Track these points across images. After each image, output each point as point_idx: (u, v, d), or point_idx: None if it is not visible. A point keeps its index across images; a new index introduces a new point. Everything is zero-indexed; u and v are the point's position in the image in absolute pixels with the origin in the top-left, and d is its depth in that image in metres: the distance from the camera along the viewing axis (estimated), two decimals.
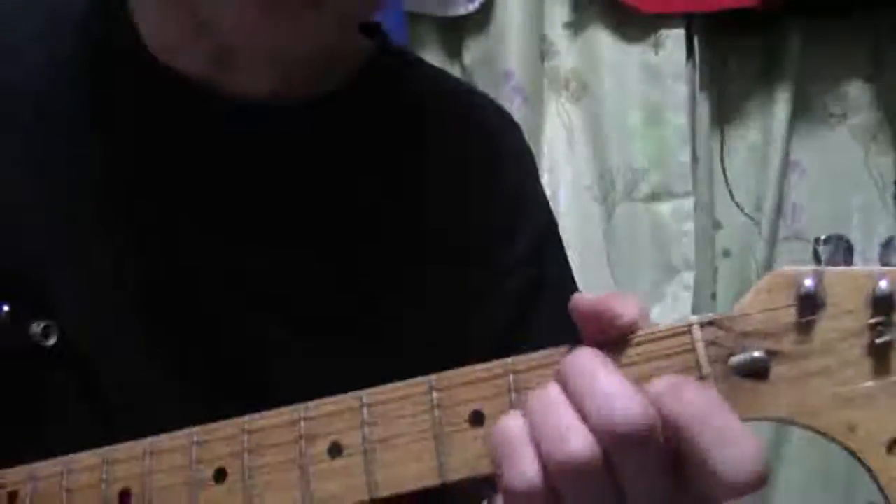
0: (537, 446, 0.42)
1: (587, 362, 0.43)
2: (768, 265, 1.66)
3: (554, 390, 0.43)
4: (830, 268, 0.42)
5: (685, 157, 1.63)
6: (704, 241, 1.65)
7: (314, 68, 0.69)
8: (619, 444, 0.41)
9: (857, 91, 1.64)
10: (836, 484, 1.58)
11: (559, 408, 0.42)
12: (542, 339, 0.69)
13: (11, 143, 0.65)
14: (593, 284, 1.56)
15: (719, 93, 1.67)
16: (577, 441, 0.41)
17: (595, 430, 0.41)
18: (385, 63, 0.73)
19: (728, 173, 1.68)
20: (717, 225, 1.69)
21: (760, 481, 0.40)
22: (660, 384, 0.42)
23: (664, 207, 1.64)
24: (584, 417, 0.41)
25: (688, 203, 1.63)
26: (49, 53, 0.67)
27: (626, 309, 0.45)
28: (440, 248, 0.70)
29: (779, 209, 1.66)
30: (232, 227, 0.66)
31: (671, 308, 1.62)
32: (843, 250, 0.44)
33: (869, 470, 0.41)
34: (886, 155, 1.64)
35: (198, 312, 0.65)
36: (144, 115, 0.66)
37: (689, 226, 1.63)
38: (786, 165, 1.66)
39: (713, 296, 1.65)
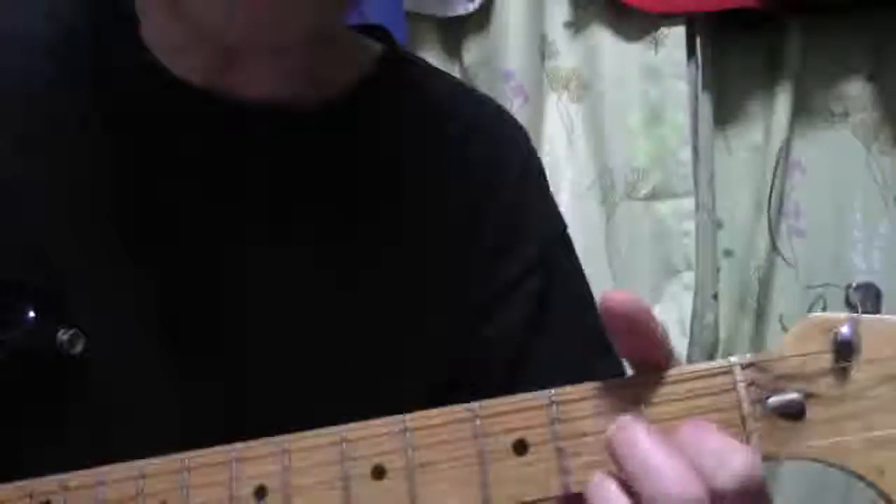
0: None
1: (639, 437, 0.44)
2: (770, 265, 1.66)
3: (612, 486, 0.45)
4: (865, 315, 0.44)
5: (686, 156, 1.62)
6: (705, 241, 1.65)
7: (318, 72, 0.69)
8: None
9: (858, 90, 1.64)
10: (836, 490, 1.59)
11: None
12: (556, 342, 0.70)
13: (9, 142, 0.65)
14: (593, 284, 1.55)
15: (720, 92, 1.67)
16: None
17: None
18: (390, 68, 0.73)
19: (729, 172, 1.68)
20: (718, 224, 1.69)
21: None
22: (708, 451, 0.43)
23: (665, 207, 1.64)
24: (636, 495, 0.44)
25: (688, 202, 1.63)
26: (53, 57, 0.67)
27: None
28: (444, 252, 0.70)
29: (780, 208, 1.66)
30: (235, 229, 0.66)
31: (672, 308, 1.62)
32: (873, 297, 0.45)
33: None
34: (888, 154, 1.63)
35: (203, 316, 0.65)
36: (147, 119, 0.66)
37: (690, 225, 1.63)
38: (787, 165, 1.66)
39: (714, 296, 1.65)
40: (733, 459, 0.42)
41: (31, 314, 0.61)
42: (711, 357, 1.64)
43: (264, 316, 0.66)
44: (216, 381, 0.65)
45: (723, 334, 1.67)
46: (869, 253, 1.63)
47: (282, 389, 0.65)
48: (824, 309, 1.58)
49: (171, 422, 0.63)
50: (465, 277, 0.70)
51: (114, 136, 0.66)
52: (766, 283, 1.66)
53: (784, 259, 1.67)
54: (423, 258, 0.70)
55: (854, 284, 0.45)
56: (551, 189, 0.79)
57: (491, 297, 0.71)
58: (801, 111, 1.66)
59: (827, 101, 1.66)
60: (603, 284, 1.61)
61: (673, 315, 1.62)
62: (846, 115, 1.65)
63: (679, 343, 1.61)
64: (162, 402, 0.64)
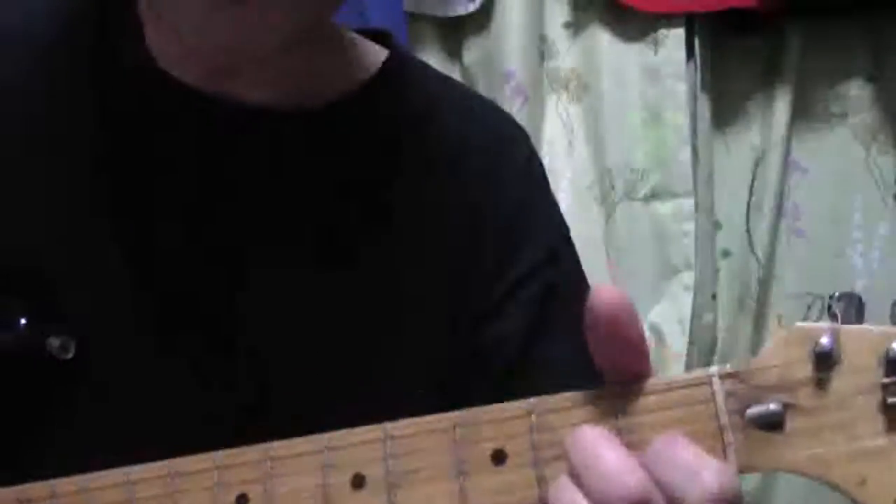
0: None
1: (590, 439, 0.45)
2: (769, 265, 1.66)
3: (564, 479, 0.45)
4: (846, 326, 0.44)
5: (685, 157, 1.62)
6: (704, 242, 1.65)
7: (318, 75, 0.69)
8: None
9: (857, 91, 1.64)
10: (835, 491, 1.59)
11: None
12: (559, 342, 0.70)
13: (17, 151, 0.66)
14: (593, 285, 1.55)
15: (719, 92, 1.67)
16: None
17: None
18: (394, 76, 0.73)
19: (728, 173, 1.68)
20: (717, 225, 1.69)
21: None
22: (678, 465, 0.43)
23: (664, 207, 1.64)
24: (586, 494, 0.44)
25: (688, 203, 1.63)
26: (53, 57, 0.67)
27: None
28: (445, 254, 0.70)
29: (779, 209, 1.66)
30: (234, 230, 0.66)
31: (671, 308, 1.62)
32: (855, 307, 0.45)
33: None
34: (887, 155, 1.63)
35: (202, 317, 0.65)
36: (147, 122, 0.67)
37: (689, 226, 1.63)
38: (786, 165, 1.66)
39: (713, 296, 1.66)
40: (704, 474, 0.42)
41: (23, 321, 0.61)
42: (711, 357, 1.64)
43: (264, 316, 0.66)
44: (215, 382, 0.65)
45: (722, 335, 1.67)
46: (868, 253, 1.63)
47: (281, 390, 0.66)
48: (821, 310, 1.58)
49: (170, 424, 0.63)
50: (468, 279, 0.70)
51: (113, 138, 0.66)
52: (765, 284, 1.66)
53: (783, 259, 1.67)
54: (425, 259, 0.70)
55: (836, 294, 0.45)
56: (553, 196, 0.79)
57: (493, 298, 0.71)
58: (801, 112, 1.65)
59: (826, 101, 1.66)
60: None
61: (672, 315, 1.62)
62: (845, 115, 1.65)
63: (678, 343, 1.61)
64: (160, 404, 0.64)
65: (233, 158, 0.66)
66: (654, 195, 1.64)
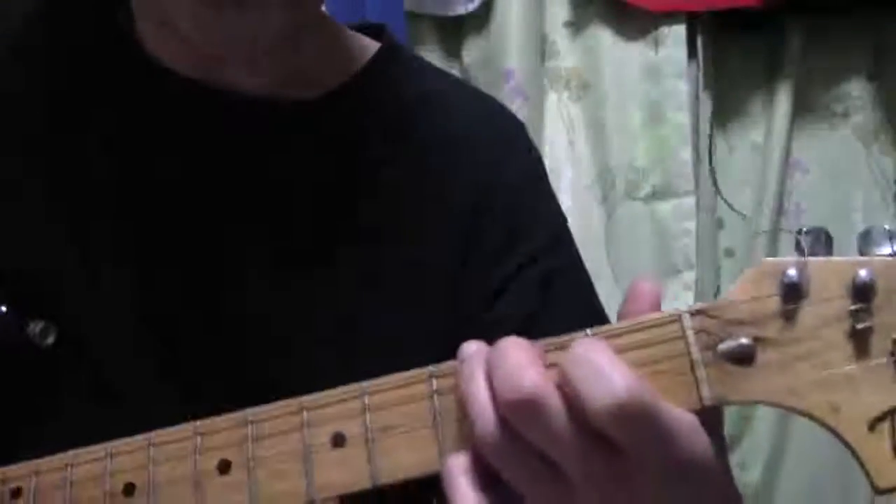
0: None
1: (510, 342, 0.46)
2: None
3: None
4: (812, 258, 0.44)
5: (686, 156, 1.62)
6: (706, 241, 1.65)
7: (313, 67, 0.70)
8: (516, 413, 0.44)
9: (858, 90, 1.64)
10: (835, 490, 1.58)
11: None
12: (557, 330, 0.70)
13: (11, 141, 0.66)
14: (594, 283, 1.54)
15: (721, 91, 1.67)
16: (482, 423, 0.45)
17: (497, 407, 0.45)
18: (387, 64, 0.73)
19: (729, 172, 1.68)
20: (718, 224, 1.69)
21: (622, 412, 0.42)
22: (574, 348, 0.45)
23: (665, 206, 1.64)
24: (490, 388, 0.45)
25: (689, 202, 1.63)
26: (48, 57, 0.68)
27: None
28: (444, 246, 0.70)
29: (780, 208, 1.66)
30: (233, 223, 0.66)
31: (672, 308, 1.61)
32: (823, 241, 0.45)
33: (850, 448, 0.43)
34: (888, 154, 1.63)
35: (201, 309, 0.66)
36: (140, 115, 0.67)
37: (691, 225, 1.63)
38: (787, 164, 1.66)
39: (715, 295, 1.65)
40: (614, 377, 0.42)
41: (3, 309, 0.61)
42: None
43: (263, 310, 0.66)
44: (215, 380, 0.65)
45: None
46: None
47: (281, 384, 0.65)
48: None
49: (166, 413, 0.63)
50: (467, 271, 0.70)
51: (108, 133, 0.67)
52: None
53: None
54: (424, 245, 0.70)
55: (804, 229, 0.45)
56: (552, 188, 0.79)
57: (492, 288, 0.71)
58: (802, 111, 1.66)
59: (827, 100, 1.66)
60: (603, 284, 1.61)
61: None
62: (846, 114, 1.65)
63: None
64: (156, 394, 0.64)
65: (227, 149, 0.67)
66: (655, 194, 1.64)
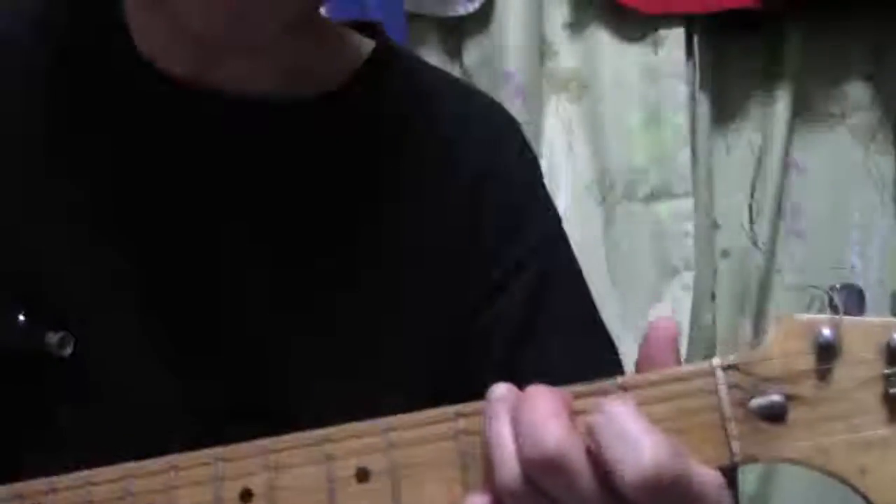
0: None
1: (540, 391, 0.46)
2: (768, 265, 1.66)
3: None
4: (847, 317, 0.44)
5: (685, 157, 1.63)
6: (704, 242, 1.65)
7: (306, 67, 0.69)
8: (538, 470, 0.44)
9: (856, 91, 1.64)
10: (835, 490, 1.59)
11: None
12: (552, 338, 0.70)
13: (9, 145, 0.66)
14: (592, 285, 1.55)
15: (719, 93, 1.67)
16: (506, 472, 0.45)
17: (520, 459, 0.44)
18: (384, 63, 0.73)
19: (727, 173, 1.68)
20: (716, 225, 1.69)
21: (652, 483, 0.41)
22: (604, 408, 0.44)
23: (664, 208, 1.64)
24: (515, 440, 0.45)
25: (687, 203, 1.63)
26: (42, 59, 0.68)
27: None
28: (440, 246, 0.70)
29: (778, 209, 1.66)
30: (229, 225, 0.66)
31: (670, 308, 1.62)
32: (855, 299, 0.45)
33: None
34: (886, 154, 1.64)
35: (201, 312, 0.66)
36: (138, 117, 0.67)
37: (689, 226, 1.63)
38: (785, 165, 1.66)
39: (713, 296, 1.66)
40: (645, 448, 0.42)
41: (22, 318, 0.61)
42: (710, 357, 1.64)
43: (262, 311, 0.66)
44: (216, 380, 0.65)
45: (721, 335, 1.67)
46: (867, 253, 1.64)
47: (281, 384, 0.66)
48: (820, 307, 1.58)
49: (172, 420, 0.63)
50: (463, 269, 0.70)
51: (105, 135, 0.67)
52: (764, 284, 1.66)
53: (782, 259, 1.67)
54: (423, 244, 0.70)
55: (838, 286, 0.45)
56: (550, 189, 0.79)
57: (489, 286, 0.71)
58: (800, 112, 1.66)
59: (826, 101, 1.66)
60: (602, 285, 1.62)
61: (671, 315, 1.62)
62: (844, 115, 1.65)
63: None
64: (162, 401, 0.64)
65: (226, 149, 0.67)
66: (653, 195, 1.64)
